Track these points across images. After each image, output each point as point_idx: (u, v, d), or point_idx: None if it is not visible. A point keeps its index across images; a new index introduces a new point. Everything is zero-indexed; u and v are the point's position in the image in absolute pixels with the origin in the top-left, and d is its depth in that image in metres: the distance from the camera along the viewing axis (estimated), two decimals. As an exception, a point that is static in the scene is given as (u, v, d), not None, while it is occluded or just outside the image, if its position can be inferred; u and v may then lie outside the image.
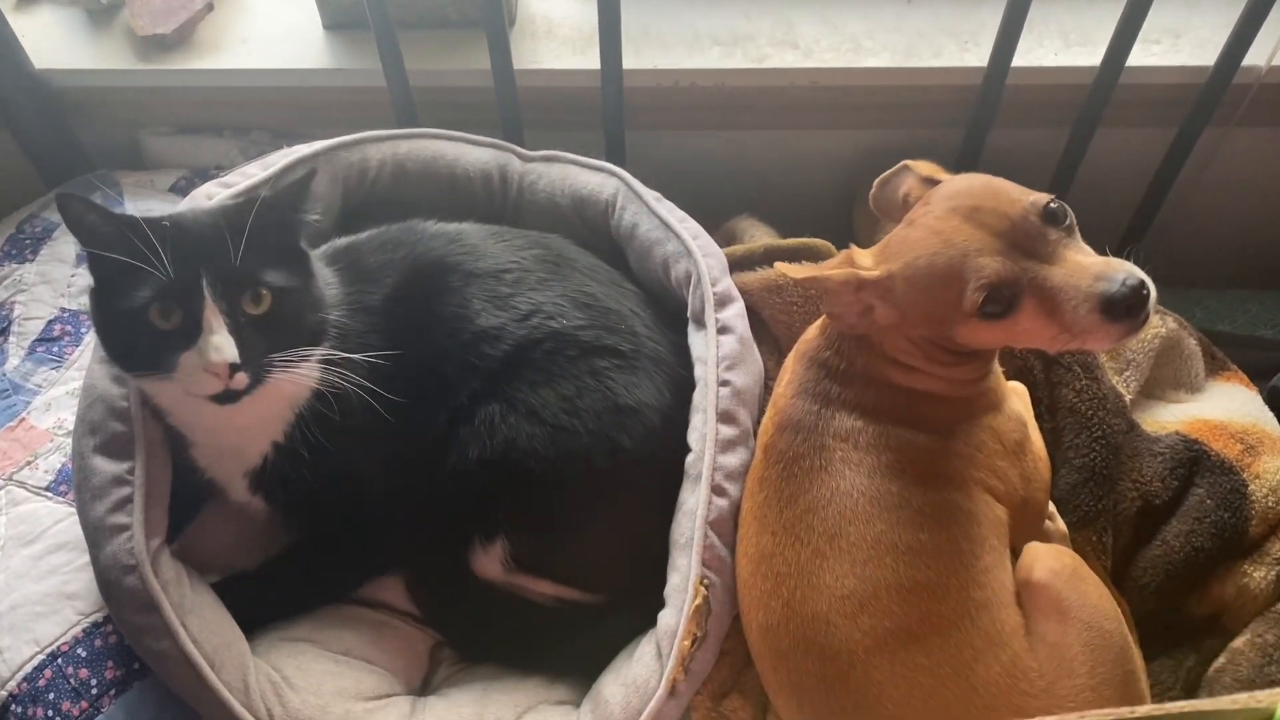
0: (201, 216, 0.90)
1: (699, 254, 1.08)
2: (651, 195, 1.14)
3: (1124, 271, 0.77)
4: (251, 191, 1.10)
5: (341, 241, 1.07)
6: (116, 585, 0.91)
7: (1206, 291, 1.42)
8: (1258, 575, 1.02)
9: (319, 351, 0.92)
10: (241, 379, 0.86)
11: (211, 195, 1.08)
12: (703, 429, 0.98)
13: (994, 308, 0.80)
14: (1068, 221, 0.81)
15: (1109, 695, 0.82)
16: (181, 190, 1.31)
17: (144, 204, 1.32)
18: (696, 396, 1.01)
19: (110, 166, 1.40)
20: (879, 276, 0.84)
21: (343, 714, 0.93)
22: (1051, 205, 0.80)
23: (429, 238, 1.06)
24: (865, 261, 0.87)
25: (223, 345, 0.84)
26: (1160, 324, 1.17)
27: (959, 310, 0.81)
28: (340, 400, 0.94)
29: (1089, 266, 0.78)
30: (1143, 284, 0.77)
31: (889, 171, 0.94)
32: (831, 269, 0.87)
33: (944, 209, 0.83)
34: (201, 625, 0.92)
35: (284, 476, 0.97)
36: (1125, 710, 0.48)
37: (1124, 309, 0.76)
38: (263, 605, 1.00)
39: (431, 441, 0.99)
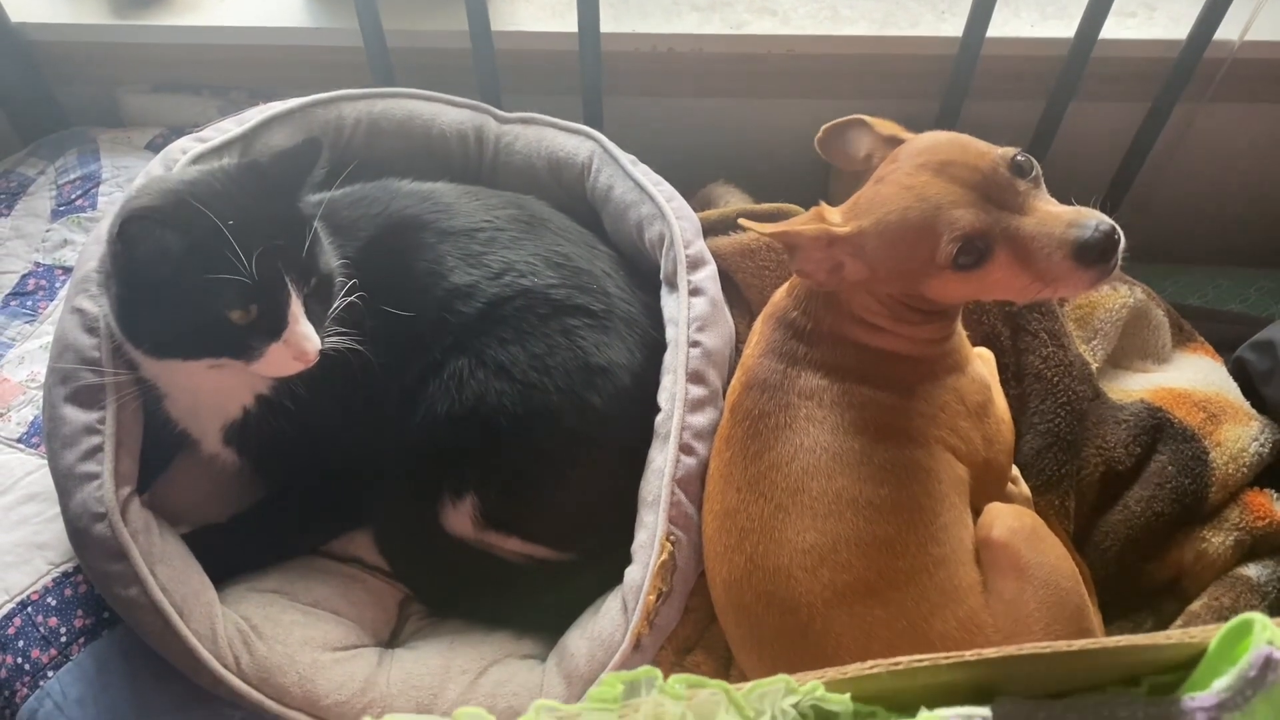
0: (255, 208, 0.88)
1: (673, 217, 1.08)
2: (627, 158, 1.15)
3: (1095, 218, 0.79)
4: (226, 147, 1.10)
5: (315, 197, 1.07)
6: (85, 533, 0.91)
7: (1178, 265, 1.43)
8: (1216, 540, 1.04)
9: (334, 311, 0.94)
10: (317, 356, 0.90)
11: (186, 150, 1.09)
12: (672, 389, 0.99)
13: (967, 259, 0.81)
14: (1035, 173, 0.82)
15: None
16: (158, 148, 1.31)
17: (121, 161, 1.32)
18: (667, 357, 1.02)
19: (87, 123, 1.40)
20: (850, 232, 0.85)
21: (310, 663, 0.94)
22: (1019, 158, 0.82)
23: (403, 195, 1.07)
24: (835, 218, 0.87)
25: (311, 335, 0.88)
26: (1129, 294, 1.18)
27: (932, 263, 0.82)
28: (330, 351, 0.94)
29: (1060, 214, 0.80)
30: (1113, 229, 0.78)
31: (841, 120, 0.95)
32: (802, 225, 0.88)
33: (913, 165, 0.84)
34: (170, 574, 0.93)
35: (262, 430, 0.98)
36: (1062, 644, 0.49)
37: (1097, 254, 0.78)
38: (232, 557, 1.01)
39: (402, 396, 1.00)
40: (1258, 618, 0.46)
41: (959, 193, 0.81)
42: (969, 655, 0.49)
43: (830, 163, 0.97)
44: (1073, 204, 0.82)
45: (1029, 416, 1.09)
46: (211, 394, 0.97)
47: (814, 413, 0.89)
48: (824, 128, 0.95)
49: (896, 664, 0.49)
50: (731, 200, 1.29)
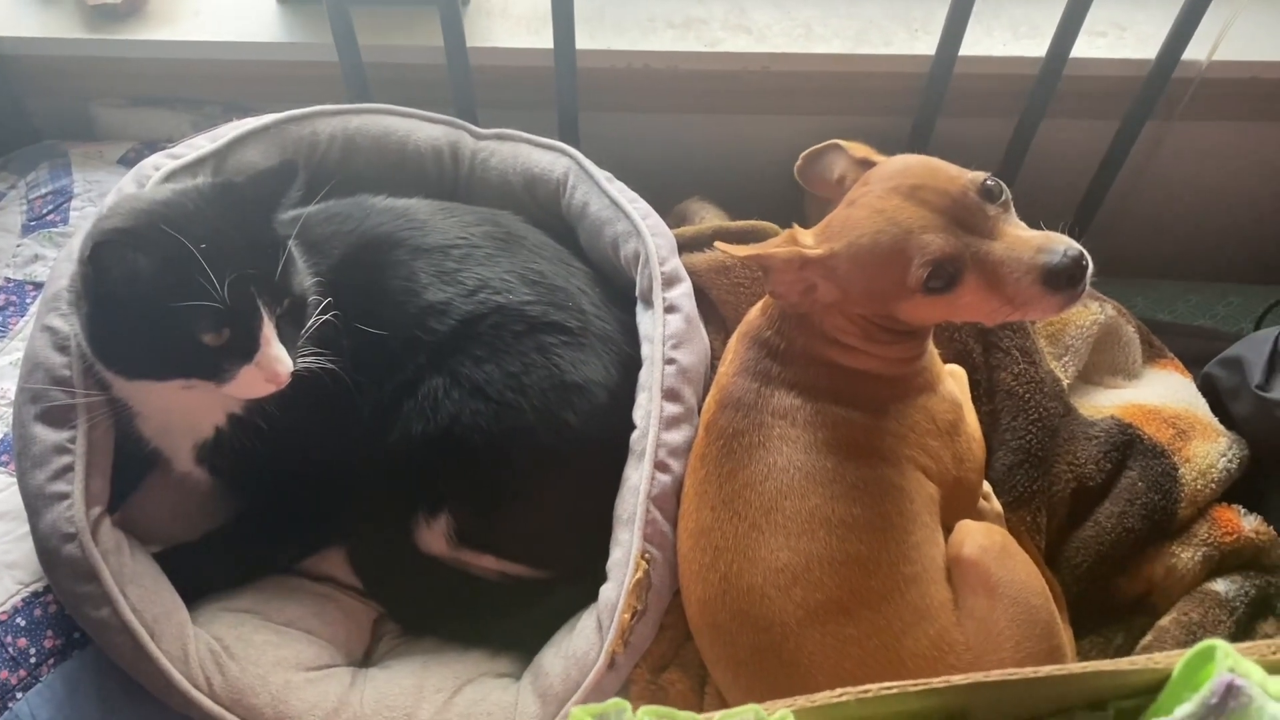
0: (229, 230, 0.87)
1: (648, 234, 1.09)
2: (603, 175, 1.15)
3: (1064, 244, 0.80)
4: (199, 164, 1.09)
5: (288, 215, 1.06)
6: (55, 553, 0.90)
7: (1148, 281, 1.44)
8: (1185, 556, 1.05)
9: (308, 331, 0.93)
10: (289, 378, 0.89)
11: (159, 166, 1.08)
12: (648, 406, 0.99)
13: (937, 283, 0.82)
14: (1004, 197, 0.83)
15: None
16: (130, 163, 1.30)
17: (93, 175, 1.31)
18: (643, 374, 1.02)
19: (59, 137, 1.39)
20: (822, 255, 0.86)
21: (283, 683, 0.94)
22: (988, 182, 0.83)
23: (377, 212, 1.06)
24: (808, 240, 0.88)
25: (283, 357, 0.87)
26: (1100, 311, 1.20)
27: (903, 286, 0.83)
28: (302, 371, 0.93)
29: (1029, 240, 0.81)
30: (1082, 255, 0.80)
31: (818, 146, 0.96)
32: (775, 248, 0.88)
33: (885, 188, 0.85)
34: (141, 594, 0.92)
35: (234, 449, 0.97)
36: (1029, 670, 0.50)
37: (1065, 279, 0.79)
38: (205, 576, 1.01)
39: (376, 415, 1.00)
40: (1220, 644, 0.47)
41: (929, 217, 0.81)
42: (937, 682, 0.49)
43: (807, 189, 0.97)
44: (1041, 227, 0.84)
45: (1001, 433, 1.09)
46: (184, 413, 0.96)
47: (787, 432, 0.90)
48: (802, 155, 0.96)
49: (865, 692, 0.49)
50: (707, 217, 1.29)
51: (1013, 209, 0.84)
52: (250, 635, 0.97)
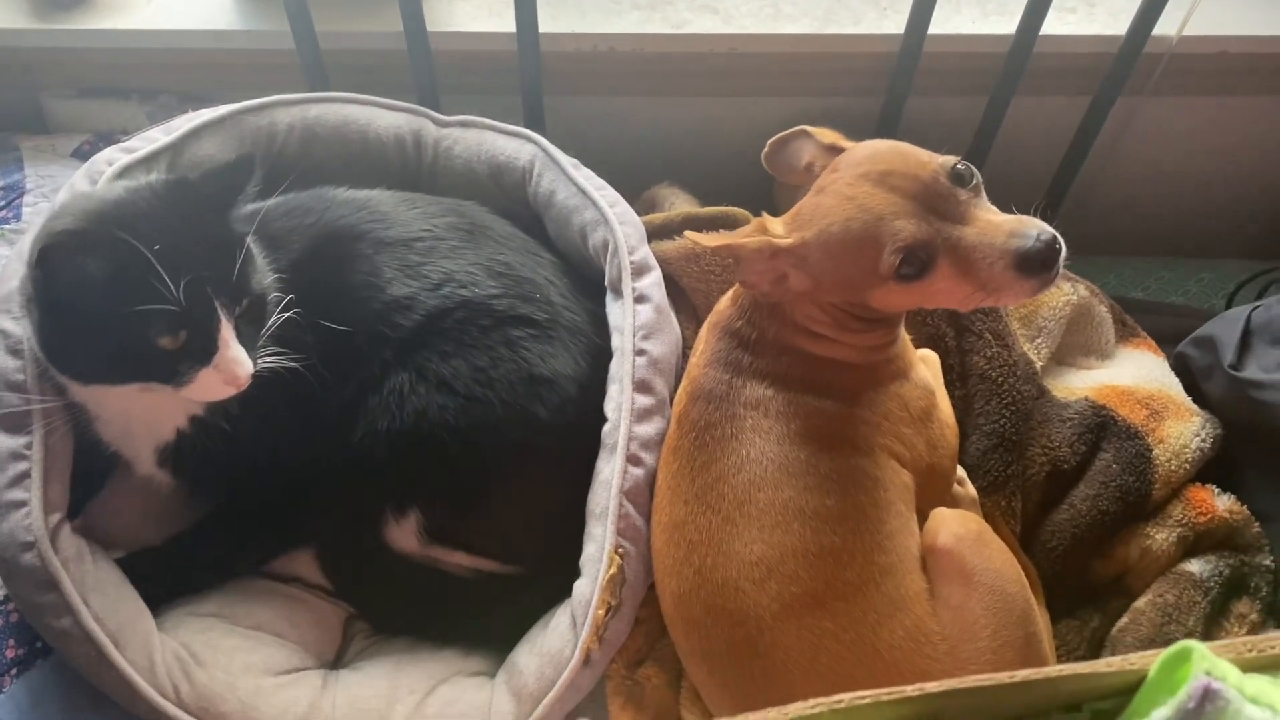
0: (184, 230, 0.85)
1: (616, 222, 1.07)
2: (569, 162, 1.13)
3: (1036, 228, 0.79)
4: (154, 158, 1.07)
5: (246, 209, 1.04)
6: (14, 563, 0.88)
7: (1119, 259, 1.44)
8: (1160, 537, 1.05)
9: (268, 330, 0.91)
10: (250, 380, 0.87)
11: (112, 161, 1.05)
12: (619, 398, 0.98)
13: (910, 270, 0.81)
14: (975, 182, 0.82)
15: (1010, 657, 0.84)
16: (84, 155, 1.27)
17: (45, 170, 1.28)
18: (613, 366, 1.01)
19: (10, 130, 1.35)
20: (792, 244, 0.84)
21: (252, 689, 0.92)
22: (959, 166, 0.81)
23: (338, 205, 1.04)
24: (778, 229, 0.87)
25: (242, 359, 0.85)
26: (1072, 291, 1.19)
27: (875, 274, 0.82)
28: (264, 371, 0.91)
29: (1001, 224, 0.80)
30: (1055, 239, 0.79)
31: (785, 133, 0.94)
32: (744, 237, 0.87)
33: (854, 175, 0.83)
34: (104, 602, 0.90)
35: (196, 450, 0.95)
36: (1004, 675, 0.49)
37: (1038, 263, 0.78)
38: (170, 581, 0.99)
39: (342, 412, 0.98)
40: (1196, 646, 0.46)
41: (900, 203, 0.80)
42: (911, 690, 0.48)
43: (775, 176, 0.96)
44: (1013, 210, 0.82)
45: (974, 417, 1.09)
46: (143, 416, 0.94)
47: (760, 423, 0.89)
48: (769, 143, 0.94)
49: (839, 701, 0.48)
50: (676, 203, 1.27)
51: (984, 193, 0.83)
52: (218, 640, 0.95)
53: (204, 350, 0.84)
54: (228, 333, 0.85)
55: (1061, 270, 0.81)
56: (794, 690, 0.80)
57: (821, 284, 0.85)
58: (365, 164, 1.16)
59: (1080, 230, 1.34)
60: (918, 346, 1.06)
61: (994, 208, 0.83)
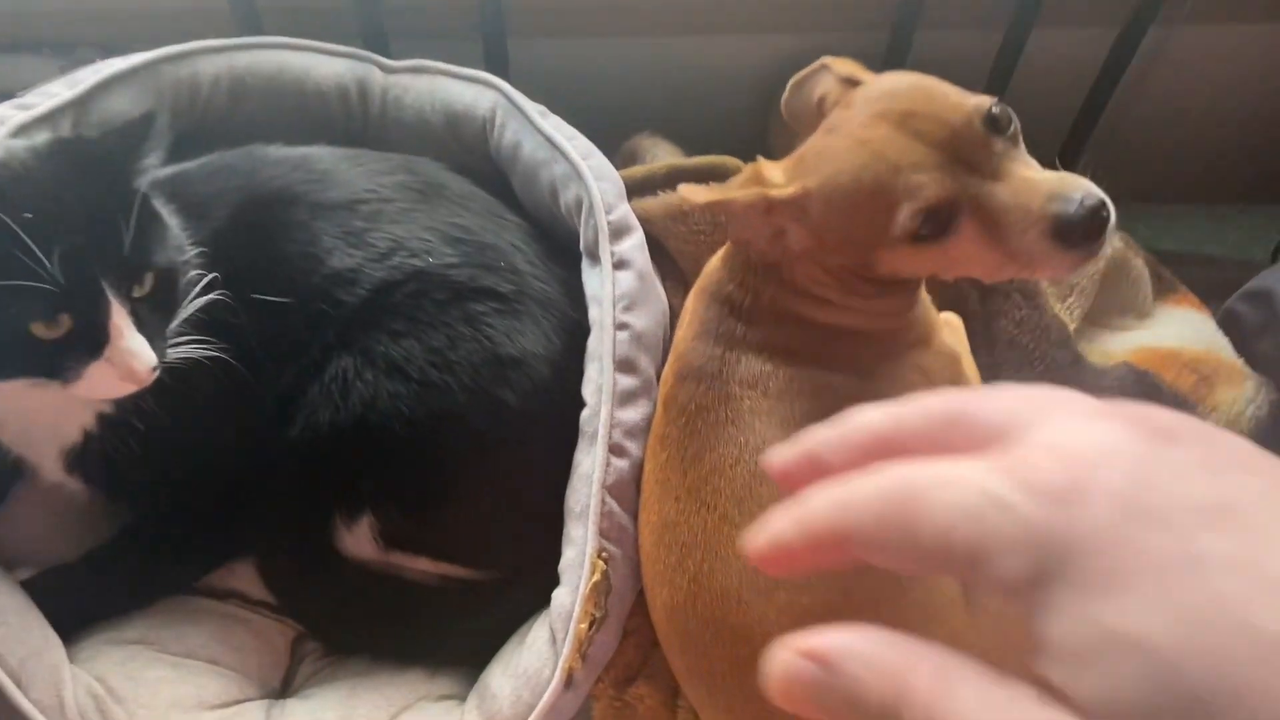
0: (67, 196, 0.72)
1: (590, 176, 0.93)
2: (535, 109, 0.99)
3: (1081, 190, 0.65)
4: (56, 115, 0.93)
5: (165, 172, 0.90)
6: (-108, 592, 0.76)
7: (1149, 206, 1.32)
8: (1215, 519, 0.93)
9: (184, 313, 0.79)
10: (153, 375, 0.74)
11: (5, 120, 0.91)
12: (598, 380, 0.85)
13: (928, 229, 0.68)
14: (1013, 129, 0.69)
15: None
16: (-9, 117, 1.12)
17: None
18: (591, 342, 0.88)
19: (-91, 91, 1.21)
20: (792, 195, 0.71)
21: (182, 727, 0.80)
22: (995, 109, 0.68)
23: (270, 164, 0.91)
24: (776, 177, 0.74)
25: (141, 351, 0.72)
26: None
27: (887, 234, 0.69)
28: (182, 361, 0.79)
29: (1040, 184, 0.66)
30: (1103, 204, 0.65)
31: (805, 70, 0.81)
32: (737, 189, 0.74)
33: (870, 114, 0.70)
34: (5, 634, 0.77)
35: (108, 453, 0.82)
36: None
37: (1081, 234, 0.65)
38: (86, 603, 0.86)
39: (278, 404, 0.85)
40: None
41: (923, 152, 0.67)
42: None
43: (793, 127, 0.82)
44: (1058, 166, 0.69)
45: (1004, 389, 0.96)
46: (43, 416, 0.81)
47: (758, 404, 0.76)
48: (790, 85, 0.81)
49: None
50: (659, 155, 1.14)
51: (1021, 143, 0.70)
52: (141, 672, 0.83)
53: (92, 339, 0.71)
54: (121, 318, 0.71)
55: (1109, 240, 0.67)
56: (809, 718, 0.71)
57: (824, 242, 0.72)
58: (303, 118, 1.02)
59: (1106, 175, 1.22)
60: (940, 306, 0.94)
61: (1033, 161, 0.70)
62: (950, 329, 0.92)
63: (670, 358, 0.83)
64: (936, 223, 0.68)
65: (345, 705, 0.85)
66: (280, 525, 0.90)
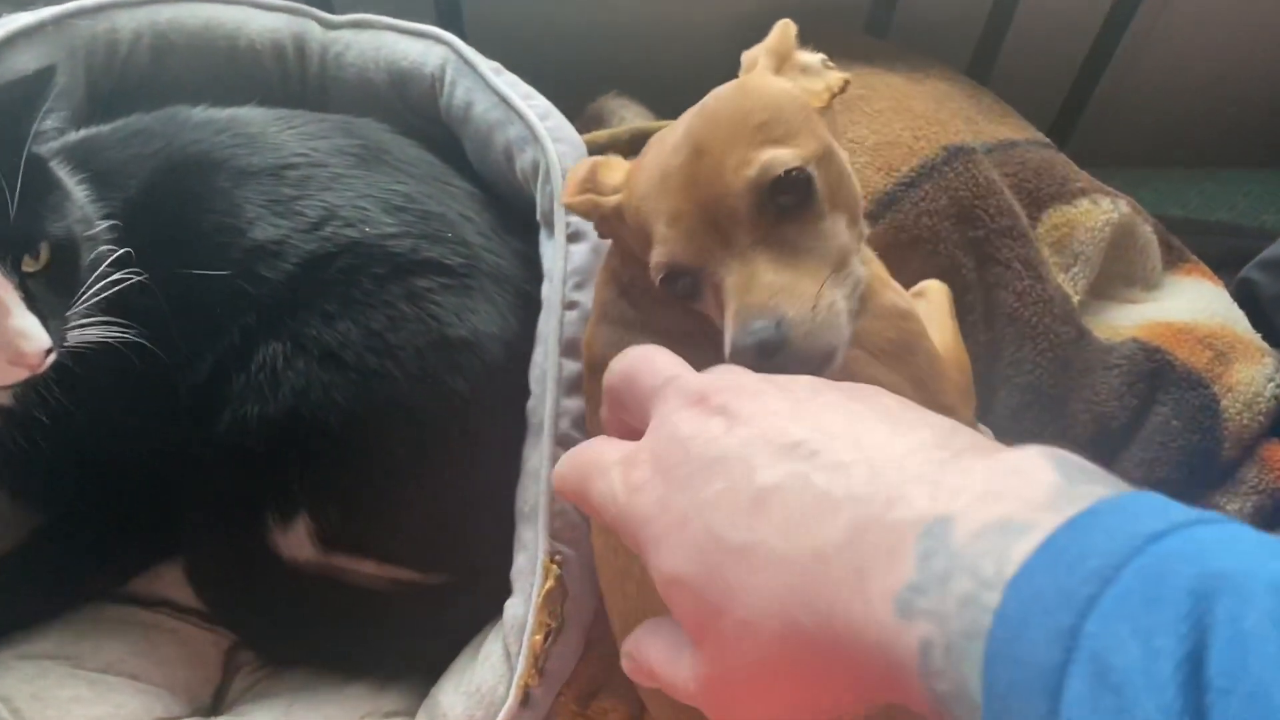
0: None
1: (547, 138, 0.84)
2: (489, 66, 0.90)
3: (760, 320, 0.55)
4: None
5: (76, 136, 0.82)
6: None
7: (1153, 171, 1.23)
8: (1232, 509, 0.86)
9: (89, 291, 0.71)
10: (48, 359, 0.67)
11: (-105, 79, 0.82)
12: (543, 364, 0.77)
13: (679, 289, 0.61)
14: (802, 199, 0.58)
15: None
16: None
17: None
18: (540, 322, 0.79)
19: None
20: (614, 206, 0.65)
21: (96, 753, 0.72)
22: (784, 173, 0.57)
23: (191, 127, 0.82)
24: (615, 178, 0.67)
25: (30, 330, 0.66)
26: (1112, 208, 0.97)
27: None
28: (88, 346, 0.71)
29: (748, 292, 0.57)
30: (776, 343, 0.55)
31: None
32: (571, 195, 0.68)
33: (684, 131, 0.61)
34: (-103, 649, 0.69)
35: (10, 450, 0.75)
36: None
37: (751, 363, 0.55)
38: None
39: (198, 396, 0.77)
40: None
41: (686, 207, 0.58)
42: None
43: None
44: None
45: (1004, 368, 0.88)
46: (-62, 411, 0.72)
47: None
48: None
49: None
50: (627, 117, 1.05)
51: (817, 212, 0.59)
52: (52, 690, 0.75)
53: None
54: (6, 293, 0.63)
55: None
56: None
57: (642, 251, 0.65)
58: (235, 79, 0.93)
59: (1107, 138, 1.12)
60: (929, 277, 0.86)
61: (829, 235, 0.59)
62: (928, 299, 0.83)
63: (584, 346, 0.75)
64: (680, 284, 0.60)
65: (281, 724, 0.77)
66: (209, 525, 0.82)
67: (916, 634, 0.32)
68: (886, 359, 0.70)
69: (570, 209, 0.69)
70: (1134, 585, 0.27)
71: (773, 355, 0.55)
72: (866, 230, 0.65)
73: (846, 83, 0.64)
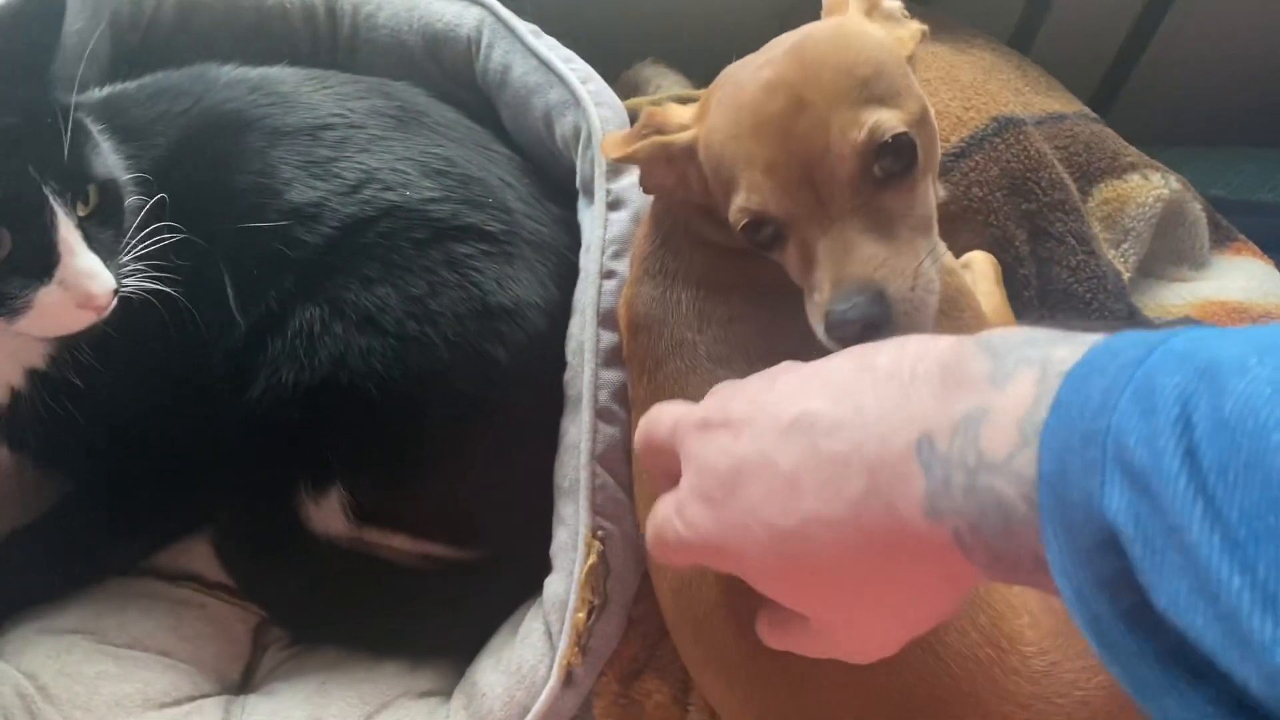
0: None
1: (590, 103, 0.82)
2: (527, 28, 0.88)
3: (860, 292, 0.54)
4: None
5: (100, 93, 0.79)
6: None
7: (1194, 150, 1.20)
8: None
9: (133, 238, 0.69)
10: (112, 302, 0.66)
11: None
12: (580, 335, 0.74)
13: (757, 236, 0.59)
14: (904, 166, 0.56)
15: None
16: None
17: None
18: (577, 292, 0.77)
19: None
20: (687, 142, 0.63)
21: (125, 731, 0.70)
22: (891, 139, 0.55)
23: (222, 86, 0.80)
24: (683, 117, 0.65)
25: (96, 269, 0.64)
26: (1162, 183, 0.95)
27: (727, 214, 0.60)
28: (122, 307, 0.68)
29: (848, 263, 0.55)
30: (875, 319, 0.54)
31: None
32: (636, 141, 0.66)
33: (779, 76, 0.57)
34: (-87, 623, 0.67)
35: (40, 416, 0.72)
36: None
37: (839, 338, 0.56)
38: (13, 588, 0.77)
39: (232, 362, 0.75)
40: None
41: (781, 158, 0.56)
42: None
43: None
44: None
45: (1055, 346, 0.86)
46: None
47: (712, 348, 0.66)
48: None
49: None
50: (664, 85, 1.03)
51: (917, 178, 0.57)
52: (78, 667, 0.73)
53: (40, 260, 0.62)
54: (70, 232, 0.62)
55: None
56: (835, 708, 0.62)
57: (709, 191, 0.63)
58: (261, 41, 0.91)
59: (1147, 115, 1.10)
60: (978, 249, 0.84)
61: (921, 201, 0.58)
62: (972, 270, 0.81)
63: (620, 308, 0.72)
64: (763, 232, 0.59)
65: (314, 703, 0.75)
66: (239, 497, 0.81)
67: (948, 527, 0.39)
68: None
69: (627, 160, 0.66)
70: (1129, 407, 0.32)
71: (877, 331, 0.54)
72: (942, 193, 0.63)
73: (925, 33, 0.62)
